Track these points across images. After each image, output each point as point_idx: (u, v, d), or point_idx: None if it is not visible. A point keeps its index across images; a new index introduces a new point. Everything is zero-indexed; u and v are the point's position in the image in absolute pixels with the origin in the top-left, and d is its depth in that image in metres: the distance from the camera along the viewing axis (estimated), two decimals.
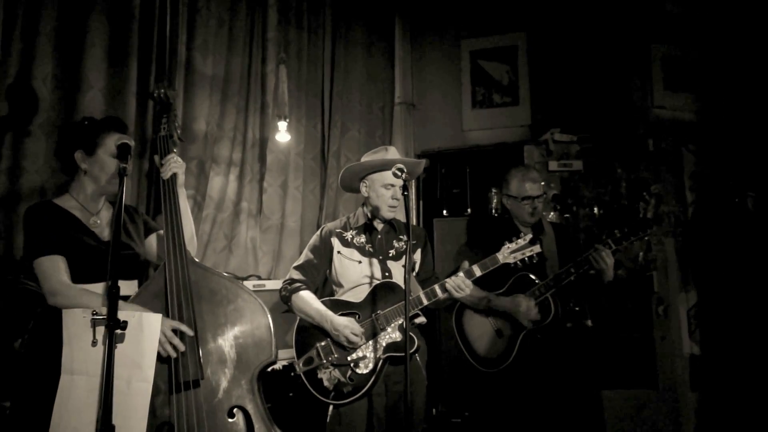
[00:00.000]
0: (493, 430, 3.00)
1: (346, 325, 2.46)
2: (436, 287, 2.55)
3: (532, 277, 2.90)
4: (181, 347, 1.95)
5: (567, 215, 4.10)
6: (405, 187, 2.37)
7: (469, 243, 3.26)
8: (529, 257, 2.58)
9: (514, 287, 2.94)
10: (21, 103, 2.66)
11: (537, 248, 2.58)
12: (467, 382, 3.31)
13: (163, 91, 2.27)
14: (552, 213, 4.11)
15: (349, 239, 2.70)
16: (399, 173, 2.40)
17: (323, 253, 2.70)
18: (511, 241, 2.59)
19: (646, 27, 4.45)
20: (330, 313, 2.51)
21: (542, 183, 3.09)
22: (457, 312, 3.10)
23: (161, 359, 1.93)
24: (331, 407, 2.54)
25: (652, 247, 4.03)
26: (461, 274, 2.53)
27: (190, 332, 1.97)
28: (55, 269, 1.92)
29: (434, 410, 4.12)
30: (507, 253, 2.58)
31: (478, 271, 2.57)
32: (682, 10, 4.40)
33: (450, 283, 2.52)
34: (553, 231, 3.16)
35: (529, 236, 2.61)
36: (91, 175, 2.07)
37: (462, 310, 3.09)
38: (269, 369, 2.16)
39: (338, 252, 2.68)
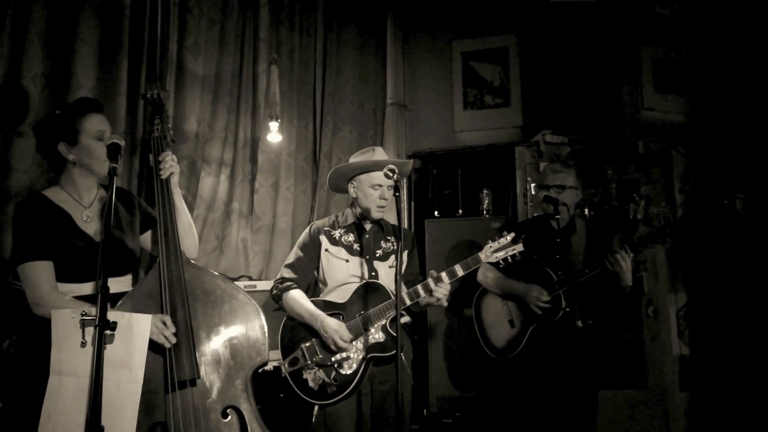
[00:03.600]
0: (495, 414, 3.04)
1: (336, 330, 2.46)
2: (419, 287, 2.55)
3: (549, 272, 2.94)
4: (172, 340, 1.96)
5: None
6: (396, 188, 2.37)
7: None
8: (511, 256, 2.57)
9: (528, 281, 2.99)
10: (10, 102, 2.64)
11: (519, 247, 2.56)
12: (457, 375, 3.32)
13: (156, 92, 2.27)
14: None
15: (337, 237, 2.70)
16: (390, 174, 2.40)
17: (313, 249, 2.70)
18: (493, 240, 2.59)
19: (636, 29, 4.48)
20: (321, 313, 2.51)
21: (569, 176, 3.08)
22: (478, 297, 3.18)
23: (156, 357, 1.94)
24: (316, 407, 2.54)
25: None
26: (444, 275, 2.53)
27: (172, 328, 1.97)
28: (39, 278, 1.91)
29: (425, 411, 4.12)
30: (489, 252, 2.57)
31: (460, 271, 2.56)
32: (671, 12, 4.43)
33: (432, 287, 2.51)
34: (586, 228, 3.15)
35: (511, 235, 2.59)
36: (81, 165, 2.05)
37: (482, 296, 3.17)
38: (260, 370, 2.15)
39: (326, 250, 2.68)
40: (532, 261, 2.65)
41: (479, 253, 2.59)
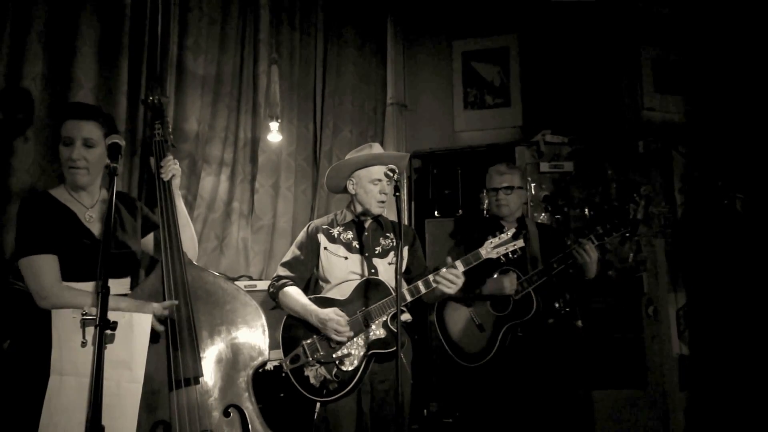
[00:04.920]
0: (481, 425, 3.02)
1: (332, 317, 2.46)
2: (420, 283, 2.55)
3: (515, 271, 2.93)
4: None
5: (558, 216, 4.12)
6: (397, 188, 2.37)
7: (459, 242, 3.28)
8: (512, 252, 2.57)
9: None
10: (10, 103, 2.64)
11: (520, 243, 2.57)
12: (453, 377, 3.30)
13: (156, 97, 2.31)
14: (543, 214, 4.13)
15: (336, 235, 2.70)
16: (391, 174, 2.40)
17: (310, 249, 2.71)
18: (494, 236, 2.59)
19: (636, 29, 4.48)
20: (314, 306, 2.52)
21: (515, 176, 3.11)
22: (438, 306, 3.11)
23: (159, 355, 1.95)
24: (318, 405, 2.55)
25: (642, 249, 4.06)
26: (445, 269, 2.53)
27: (174, 301, 2.02)
28: (43, 270, 1.91)
29: (425, 410, 4.12)
30: (490, 248, 2.58)
31: (461, 267, 2.55)
32: (671, 12, 4.44)
33: (439, 277, 2.49)
34: (537, 230, 3.17)
35: (512, 231, 2.59)
36: (62, 169, 2.08)
37: (443, 305, 3.10)
38: (261, 370, 2.17)
39: (324, 248, 2.68)
40: (494, 262, 2.65)
41: (480, 249, 2.59)
